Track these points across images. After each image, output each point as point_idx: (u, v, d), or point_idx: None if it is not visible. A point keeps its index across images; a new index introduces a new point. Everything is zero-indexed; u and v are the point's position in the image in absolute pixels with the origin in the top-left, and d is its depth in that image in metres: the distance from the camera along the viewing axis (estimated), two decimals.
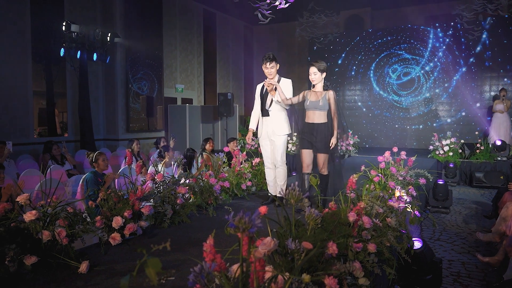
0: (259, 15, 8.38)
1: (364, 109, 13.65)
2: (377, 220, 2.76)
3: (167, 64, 11.55)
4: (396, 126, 13.16)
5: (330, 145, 4.25)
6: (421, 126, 12.83)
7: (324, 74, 4.30)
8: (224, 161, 5.17)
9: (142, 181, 3.69)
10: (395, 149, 4.58)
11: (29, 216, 2.57)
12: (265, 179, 4.87)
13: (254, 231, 1.37)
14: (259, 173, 5.45)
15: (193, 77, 12.81)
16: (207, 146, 6.56)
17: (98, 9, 9.80)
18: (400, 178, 4.23)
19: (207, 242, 1.57)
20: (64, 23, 8.48)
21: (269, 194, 4.78)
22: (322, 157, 4.29)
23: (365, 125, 13.55)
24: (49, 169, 5.66)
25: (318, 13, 11.64)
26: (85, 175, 4.61)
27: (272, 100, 4.51)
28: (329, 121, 4.29)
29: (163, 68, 11.31)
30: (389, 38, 13.03)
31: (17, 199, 2.66)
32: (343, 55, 13.81)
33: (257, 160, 5.53)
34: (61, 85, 9.51)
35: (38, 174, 5.25)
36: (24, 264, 2.53)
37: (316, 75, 4.25)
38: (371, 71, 13.47)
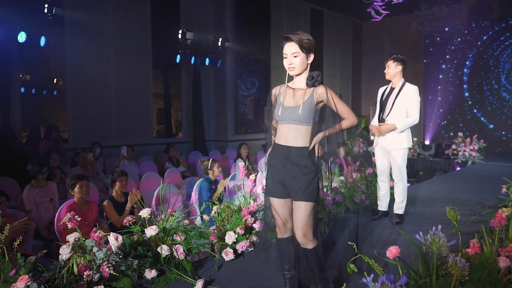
0: (372, 12, 7.88)
1: (490, 110, 12.09)
2: None
3: (274, 65, 11.58)
4: None
5: (317, 154, 2.31)
6: None
7: (312, 57, 2.29)
8: (335, 172, 4.89)
9: (254, 194, 3.64)
10: None
11: (150, 231, 2.66)
12: (377, 192, 4.52)
13: None
14: (372, 185, 5.07)
15: None
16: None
17: (211, 15, 10.18)
18: None
19: None
20: (180, 31, 9.01)
21: (378, 209, 4.42)
22: (301, 209, 2.23)
23: (491, 128, 12.01)
24: (166, 172, 6.04)
25: (438, 3, 10.57)
26: (199, 181, 4.75)
27: (391, 108, 4.11)
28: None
29: (270, 69, 11.37)
30: None
31: (140, 213, 2.77)
32: (465, 49, 12.39)
33: (370, 170, 5.15)
34: (176, 88, 10.18)
35: (157, 177, 5.60)
36: (145, 277, 2.62)
37: (297, 58, 2.23)
38: (500, 67, 11.86)
